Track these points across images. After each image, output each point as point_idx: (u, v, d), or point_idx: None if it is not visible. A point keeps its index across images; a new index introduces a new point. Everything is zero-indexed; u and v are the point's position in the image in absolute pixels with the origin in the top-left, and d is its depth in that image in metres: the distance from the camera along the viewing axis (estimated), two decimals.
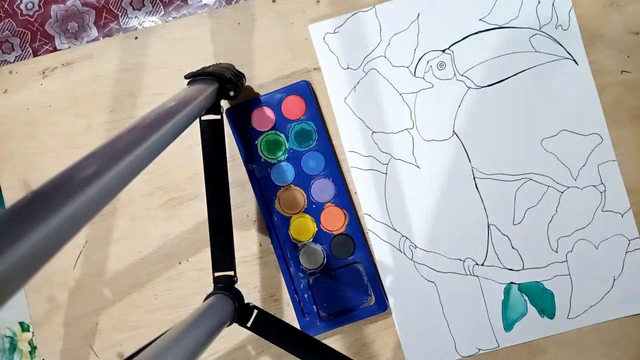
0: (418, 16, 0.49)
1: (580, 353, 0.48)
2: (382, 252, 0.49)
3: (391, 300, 0.49)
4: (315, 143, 0.49)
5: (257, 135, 0.50)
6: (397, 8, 0.49)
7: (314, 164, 0.49)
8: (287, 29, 0.50)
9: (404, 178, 0.49)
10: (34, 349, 0.55)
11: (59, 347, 0.52)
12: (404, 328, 0.49)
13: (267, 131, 0.50)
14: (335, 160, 0.49)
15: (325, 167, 0.49)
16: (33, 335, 0.54)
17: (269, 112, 0.49)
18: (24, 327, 0.56)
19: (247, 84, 0.50)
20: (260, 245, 0.51)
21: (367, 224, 0.49)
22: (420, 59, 0.49)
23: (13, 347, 0.57)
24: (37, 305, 0.52)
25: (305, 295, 0.49)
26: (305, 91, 0.49)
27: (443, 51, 0.49)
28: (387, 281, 0.49)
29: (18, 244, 0.18)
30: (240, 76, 0.47)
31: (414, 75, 0.49)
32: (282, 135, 0.49)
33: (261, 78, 0.51)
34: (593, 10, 0.49)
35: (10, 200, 0.53)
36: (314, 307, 0.49)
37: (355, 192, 0.50)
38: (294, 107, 0.49)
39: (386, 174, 0.49)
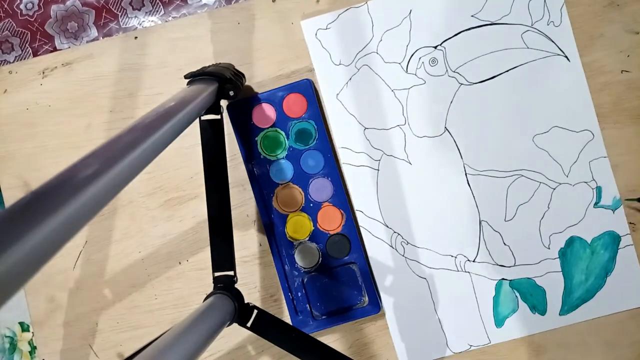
0: (410, 12, 0.49)
1: (580, 352, 0.48)
2: (374, 249, 0.49)
3: (384, 297, 0.49)
4: (315, 142, 0.49)
5: (257, 131, 0.50)
6: (389, 4, 0.49)
7: (313, 162, 0.49)
8: (287, 29, 0.50)
9: (396, 174, 0.49)
10: (34, 349, 0.55)
11: (59, 347, 0.52)
12: (396, 324, 0.49)
13: (268, 128, 0.50)
14: (334, 160, 0.49)
15: (324, 166, 0.49)
16: (33, 335, 0.54)
17: (270, 109, 0.49)
18: (24, 327, 0.56)
19: (247, 83, 0.50)
20: (260, 245, 0.51)
21: (359, 221, 0.49)
22: (412, 55, 0.49)
23: (13, 347, 0.57)
24: (37, 305, 0.52)
25: (299, 294, 0.49)
26: (308, 90, 0.49)
27: (435, 47, 0.49)
28: (379, 278, 0.49)
29: (18, 244, 0.18)
30: (240, 76, 0.47)
31: (406, 72, 0.49)
32: (283, 133, 0.49)
33: (261, 78, 0.51)
34: (593, 9, 0.49)
35: (10, 200, 0.53)
36: (307, 305, 0.49)
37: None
38: (295, 105, 0.49)
39: (378, 170, 0.49)
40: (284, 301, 0.50)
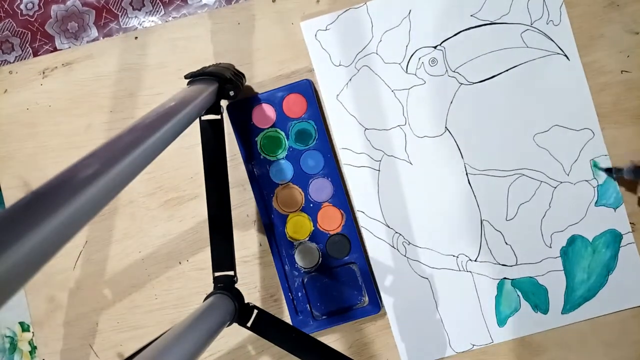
0: (409, 13, 0.49)
1: (580, 352, 0.48)
2: (375, 249, 0.49)
3: (385, 297, 0.49)
4: (315, 142, 0.49)
5: (257, 132, 0.50)
6: (388, 5, 0.49)
7: (313, 162, 0.49)
8: (287, 29, 0.50)
9: (397, 174, 0.49)
10: (34, 349, 0.55)
11: (59, 347, 0.52)
12: (398, 325, 0.49)
13: (268, 128, 0.50)
14: (334, 160, 0.49)
15: (324, 166, 0.49)
16: (33, 335, 0.54)
17: (270, 109, 0.49)
18: (24, 327, 0.56)
19: (247, 83, 0.50)
20: (260, 245, 0.51)
21: (360, 221, 0.49)
22: (412, 55, 0.49)
23: (13, 347, 0.57)
24: (37, 305, 0.52)
25: (299, 294, 0.49)
26: (307, 90, 0.49)
27: (435, 47, 0.49)
28: (380, 278, 0.49)
29: (18, 244, 0.18)
30: (240, 76, 0.47)
31: (406, 72, 0.49)
32: (282, 133, 0.49)
33: (261, 78, 0.51)
34: (593, 9, 0.49)
35: (10, 200, 0.53)
36: (308, 305, 0.49)
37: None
38: (295, 105, 0.49)
39: (379, 170, 0.49)
40: (284, 301, 0.50)
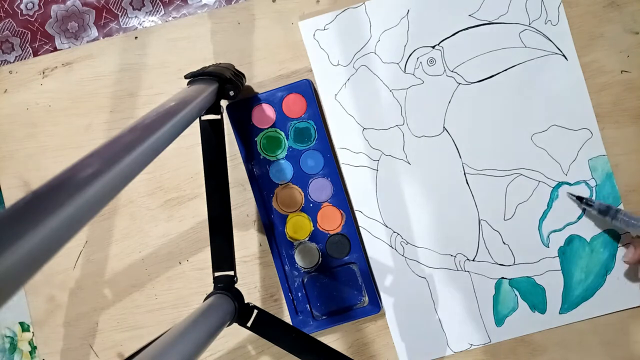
0: (408, 12, 0.49)
1: (580, 352, 0.48)
2: (373, 249, 0.49)
3: (384, 297, 0.49)
4: (314, 142, 0.49)
5: (257, 132, 0.50)
6: (386, 4, 0.49)
7: (313, 163, 0.49)
8: (287, 29, 0.51)
9: (395, 174, 0.49)
10: (34, 349, 0.55)
11: (59, 347, 0.52)
12: (396, 324, 0.49)
13: (267, 129, 0.50)
14: (334, 160, 0.49)
15: (324, 166, 0.49)
16: (33, 335, 0.54)
17: (269, 109, 0.50)
18: (24, 327, 0.56)
19: (247, 83, 0.50)
20: (260, 245, 0.51)
21: (358, 221, 0.49)
22: (410, 55, 0.49)
23: (13, 347, 0.57)
24: (37, 305, 0.52)
25: (299, 294, 0.49)
26: (307, 90, 0.49)
27: (433, 47, 0.49)
28: (380, 278, 0.49)
29: (18, 244, 0.18)
30: (240, 76, 0.47)
31: (404, 72, 0.49)
32: (282, 133, 0.49)
33: (261, 78, 0.51)
34: (593, 9, 0.49)
35: (10, 200, 0.53)
36: (308, 305, 0.49)
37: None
38: (294, 105, 0.49)
39: (377, 170, 0.49)
40: (284, 301, 0.50)
